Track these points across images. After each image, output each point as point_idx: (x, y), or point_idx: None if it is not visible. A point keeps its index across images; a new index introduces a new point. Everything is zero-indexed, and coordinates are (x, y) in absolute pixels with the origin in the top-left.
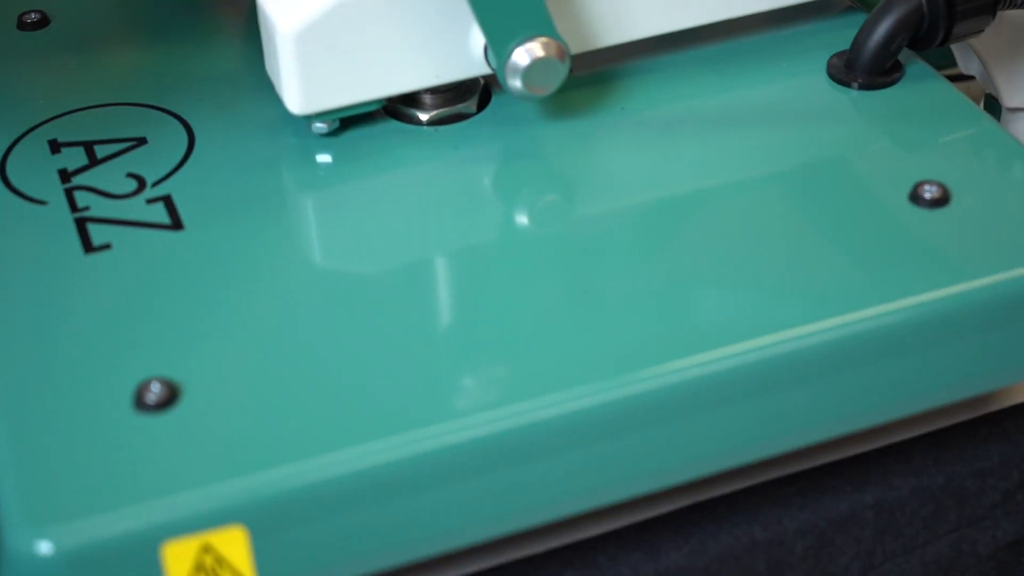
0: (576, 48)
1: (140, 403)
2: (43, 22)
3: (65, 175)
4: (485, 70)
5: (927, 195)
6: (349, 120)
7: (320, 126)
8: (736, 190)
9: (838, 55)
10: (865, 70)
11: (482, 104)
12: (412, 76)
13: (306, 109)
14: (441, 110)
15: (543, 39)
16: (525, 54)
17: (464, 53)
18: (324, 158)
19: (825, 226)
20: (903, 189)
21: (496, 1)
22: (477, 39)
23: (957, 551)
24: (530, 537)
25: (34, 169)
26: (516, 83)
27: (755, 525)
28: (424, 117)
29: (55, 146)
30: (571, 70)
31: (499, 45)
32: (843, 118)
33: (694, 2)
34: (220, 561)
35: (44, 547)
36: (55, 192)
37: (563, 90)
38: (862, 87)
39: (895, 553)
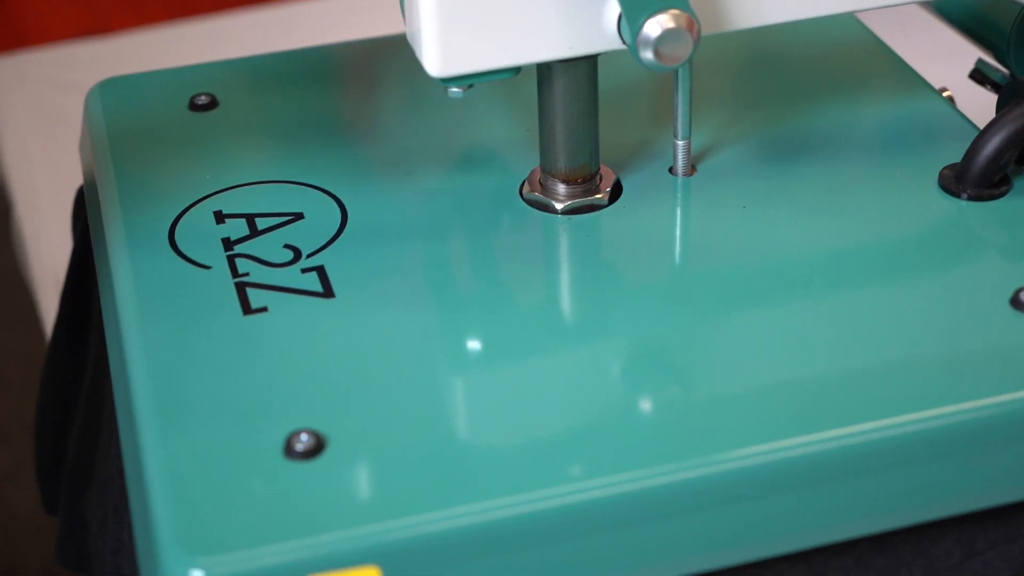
0: (708, 29)
1: (290, 451)
2: (212, 104)
3: (228, 243)
4: (617, 45)
5: None
6: (489, 206)
7: (455, 91)
8: (845, 287)
9: (949, 167)
10: (974, 182)
11: (613, 198)
12: (546, 46)
13: (444, 71)
14: (575, 200)
15: (674, 11)
16: (656, 25)
17: (598, 27)
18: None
19: (927, 325)
20: (1005, 294)
21: None
22: (611, 14)
23: None
24: None
25: (200, 237)
26: (648, 54)
27: None
28: (559, 206)
29: (220, 217)
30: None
31: (633, 17)
32: (951, 227)
33: None
34: None
35: (197, 575)
36: (219, 258)
37: (687, 190)
38: (971, 198)
39: (996, 542)
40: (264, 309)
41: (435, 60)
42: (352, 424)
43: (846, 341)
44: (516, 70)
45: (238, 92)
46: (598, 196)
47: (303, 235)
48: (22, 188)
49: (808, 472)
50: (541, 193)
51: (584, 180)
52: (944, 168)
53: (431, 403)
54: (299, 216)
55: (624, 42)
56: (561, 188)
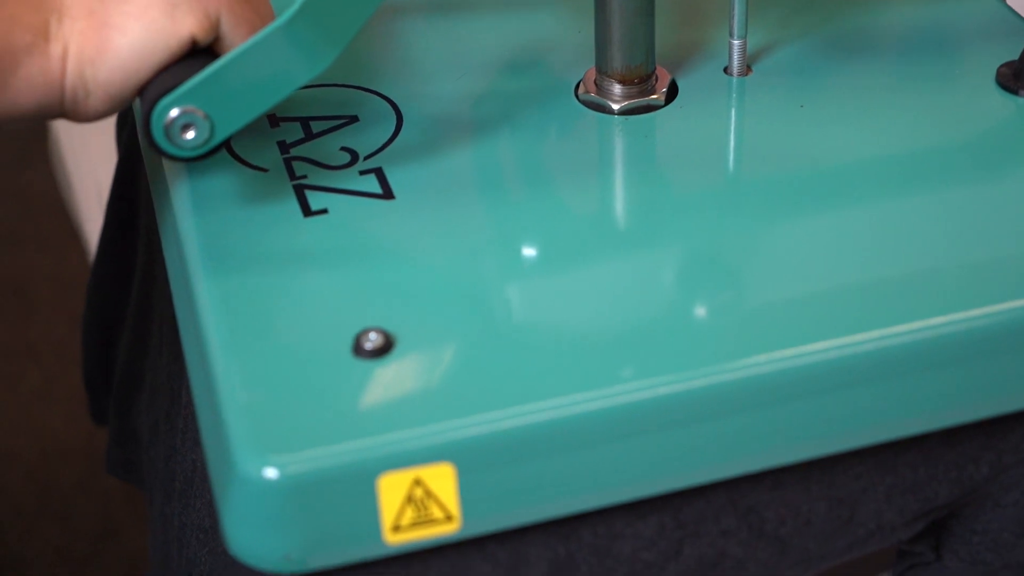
0: None
1: (359, 350)
2: None
3: (284, 146)
4: None
5: None
6: (546, 107)
7: None
8: (905, 189)
9: (1007, 64)
10: None
11: (670, 97)
12: None
13: None
14: (631, 101)
15: None
16: None
17: None
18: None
19: (991, 224)
20: None
21: None
22: None
23: None
24: None
25: (256, 141)
26: None
27: None
28: (616, 107)
29: (274, 120)
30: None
31: None
32: (1009, 124)
33: None
34: (429, 494)
35: (271, 472)
36: (275, 161)
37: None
38: None
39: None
40: (324, 211)
41: None
42: (419, 323)
43: (902, 244)
44: None
45: None
46: (654, 96)
47: (359, 138)
48: None
49: (872, 368)
50: (597, 94)
51: (640, 80)
52: (1001, 65)
53: (494, 304)
54: (354, 119)
55: None
56: (617, 88)
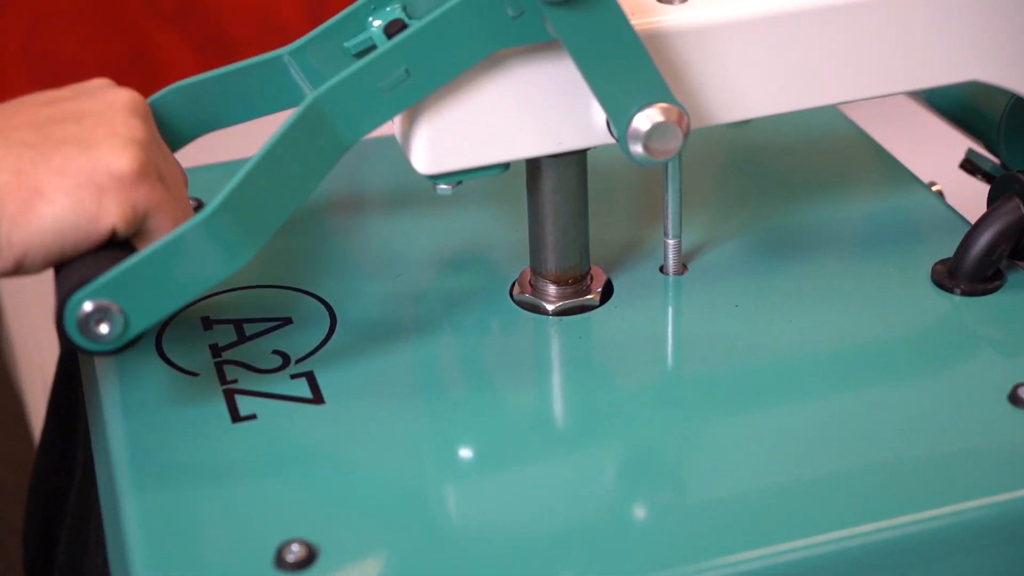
0: (695, 123)
1: (281, 563)
2: (198, 208)
3: (216, 350)
4: (605, 140)
5: None
6: (480, 308)
7: (444, 188)
8: (840, 386)
9: (941, 262)
10: (968, 277)
11: (604, 298)
12: (534, 143)
13: (432, 170)
14: (566, 302)
15: (662, 104)
16: (646, 119)
17: (587, 122)
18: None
19: (925, 424)
20: (1003, 391)
21: (612, 73)
22: (600, 109)
23: None
24: None
25: (189, 344)
26: (638, 148)
27: None
28: (550, 308)
29: (207, 323)
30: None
31: (618, 114)
32: (945, 323)
33: (810, 84)
34: None
35: None
36: (206, 365)
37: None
38: (964, 293)
39: None
40: (253, 416)
41: (423, 158)
42: (344, 534)
43: (842, 442)
44: (505, 166)
45: None
46: (589, 297)
47: (292, 340)
48: (10, 289)
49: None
50: (532, 294)
51: (575, 281)
52: (936, 263)
53: (423, 511)
54: (288, 320)
55: (614, 136)
56: (552, 289)
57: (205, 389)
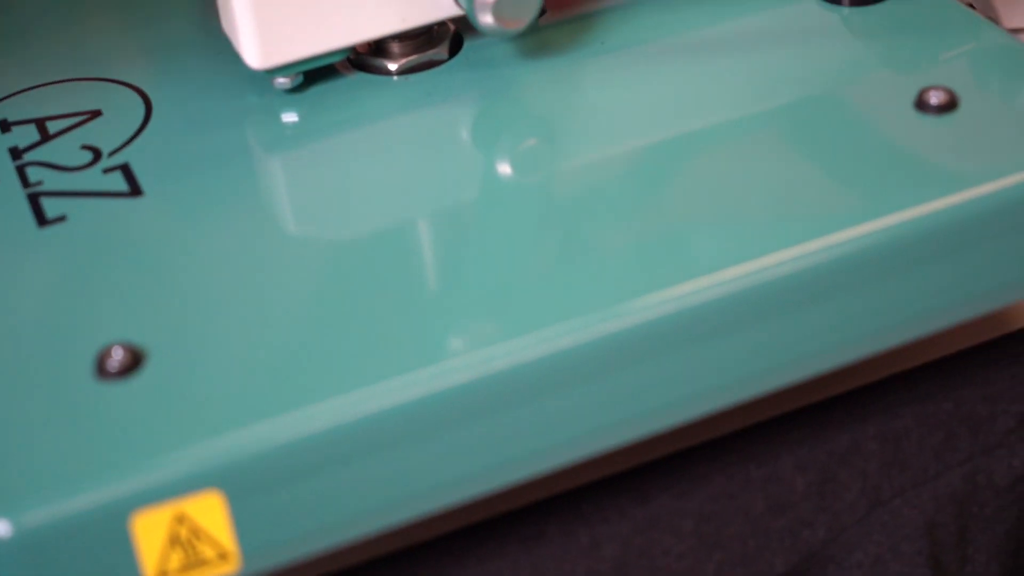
0: None
1: (102, 370)
2: None
3: (16, 152)
4: (452, 12)
5: (933, 101)
6: (315, 75)
7: (282, 81)
8: (730, 121)
9: None
10: None
11: (453, 50)
12: (377, 22)
13: (266, 63)
14: (411, 58)
15: None
16: None
17: None
18: (290, 116)
19: (829, 143)
20: (908, 98)
21: None
22: None
23: (972, 483)
24: (513, 489)
25: None
26: (487, 18)
27: (750, 463)
28: (393, 67)
29: (4, 126)
30: (543, 8)
31: None
32: (837, 37)
33: None
34: (196, 532)
35: (2, 529)
36: (5, 170)
37: (537, 29)
38: (853, 3)
39: (904, 487)
40: (62, 218)
41: (255, 52)
42: (172, 333)
43: (737, 177)
44: (345, 52)
45: None
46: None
47: (103, 133)
48: None
49: (694, 323)
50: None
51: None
52: None
53: (262, 305)
54: (97, 113)
55: (460, 7)
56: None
57: (5, 195)
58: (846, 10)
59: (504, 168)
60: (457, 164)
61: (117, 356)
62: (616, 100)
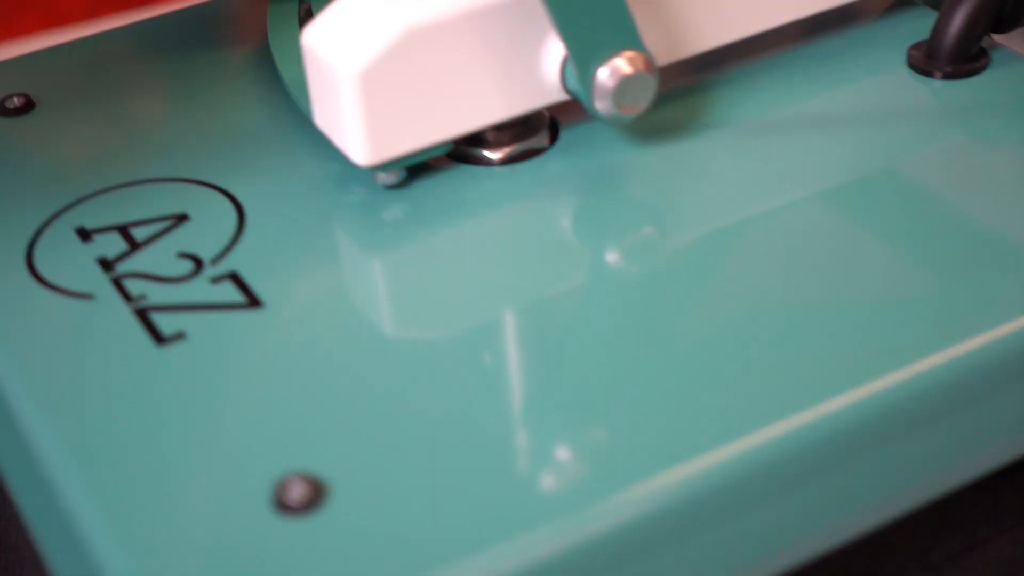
0: (662, 60)
1: (281, 504)
2: (28, 106)
3: (107, 263)
4: (559, 97)
5: None
6: (415, 170)
7: (386, 177)
8: (836, 200)
9: (915, 46)
10: (948, 58)
11: (553, 137)
12: (483, 112)
13: (375, 159)
14: (513, 147)
15: (629, 53)
16: (612, 72)
17: (535, 81)
18: (394, 213)
19: (934, 231)
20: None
21: (580, 17)
22: (550, 65)
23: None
24: None
25: (67, 261)
26: (606, 105)
27: None
28: (495, 156)
29: (84, 234)
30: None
31: (584, 63)
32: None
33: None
34: None
35: None
36: (100, 283)
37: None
38: (947, 76)
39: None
40: (181, 335)
41: (363, 148)
42: (348, 461)
43: (859, 269)
44: (450, 144)
45: (55, 87)
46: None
47: (197, 239)
48: None
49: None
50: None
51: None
52: (911, 47)
53: (434, 422)
54: (183, 217)
55: (568, 92)
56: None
57: (108, 312)
58: (939, 83)
59: (613, 259)
60: (567, 256)
61: (298, 488)
62: (721, 184)
